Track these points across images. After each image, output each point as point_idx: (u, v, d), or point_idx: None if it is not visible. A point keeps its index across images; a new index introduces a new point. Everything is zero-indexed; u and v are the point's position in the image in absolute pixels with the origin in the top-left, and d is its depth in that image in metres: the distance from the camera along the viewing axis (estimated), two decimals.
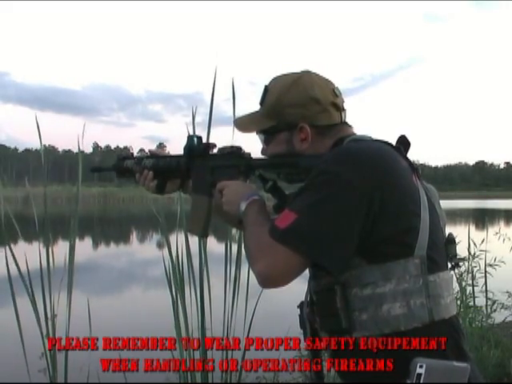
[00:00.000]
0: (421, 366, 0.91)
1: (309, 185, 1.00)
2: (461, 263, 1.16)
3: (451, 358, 0.96)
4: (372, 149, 1.02)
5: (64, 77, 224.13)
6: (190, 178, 1.34)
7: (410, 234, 0.98)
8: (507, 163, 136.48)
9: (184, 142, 1.32)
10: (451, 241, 1.10)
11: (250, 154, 1.26)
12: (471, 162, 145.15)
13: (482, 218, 21.23)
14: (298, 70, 1.17)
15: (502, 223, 18.19)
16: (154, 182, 1.37)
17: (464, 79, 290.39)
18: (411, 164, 1.08)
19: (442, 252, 1.06)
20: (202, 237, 1.36)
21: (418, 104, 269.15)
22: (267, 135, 1.18)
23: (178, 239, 2.81)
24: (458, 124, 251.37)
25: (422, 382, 0.91)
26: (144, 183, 1.38)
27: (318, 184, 0.97)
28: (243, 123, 1.22)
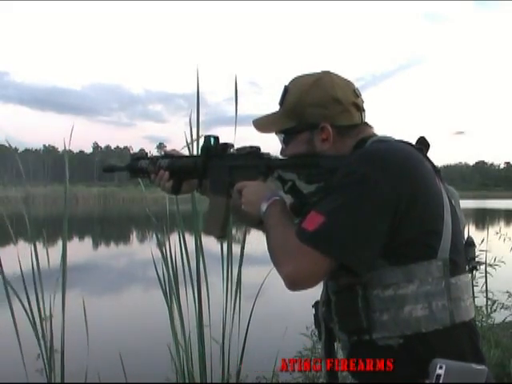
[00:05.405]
0: (440, 367, 0.92)
1: (336, 186, 0.99)
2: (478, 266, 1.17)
3: (470, 360, 0.96)
4: (398, 150, 1.02)
5: (64, 77, 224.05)
6: (207, 179, 1.32)
7: (433, 236, 0.98)
8: (507, 163, 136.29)
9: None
10: (470, 243, 1.11)
11: (268, 154, 1.24)
12: (471, 162, 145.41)
13: (482, 218, 21.22)
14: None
15: (502, 223, 18.20)
16: (170, 183, 1.35)
17: (464, 79, 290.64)
18: (433, 166, 1.07)
19: (462, 254, 1.06)
20: (220, 238, 1.34)
21: (418, 104, 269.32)
22: (287, 135, 1.17)
23: (170, 240, 2.81)
24: (458, 124, 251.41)
25: (441, 382, 0.91)
26: (159, 184, 1.37)
27: (345, 185, 0.97)
28: (263, 123, 1.21)
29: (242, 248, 2.78)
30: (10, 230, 2.90)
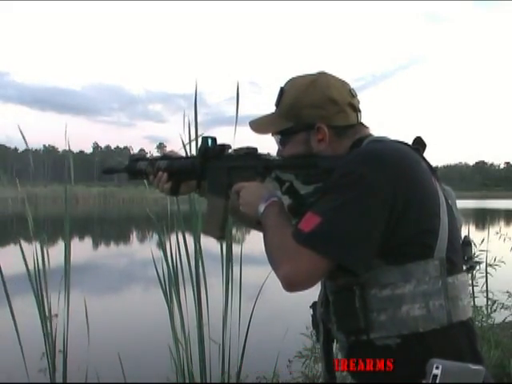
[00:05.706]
0: (437, 368, 0.92)
1: (332, 186, 0.99)
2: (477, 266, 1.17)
3: (467, 359, 0.96)
4: (394, 150, 1.02)
5: (64, 77, 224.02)
6: (205, 180, 1.32)
7: (430, 236, 0.98)
8: (507, 163, 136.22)
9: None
10: (467, 243, 1.11)
11: (267, 155, 1.24)
12: (471, 162, 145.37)
13: (482, 218, 21.23)
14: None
15: (502, 223, 18.21)
16: (169, 184, 1.36)
17: (464, 79, 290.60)
18: (430, 165, 1.08)
19: (459, 254, 1.06)
20: (219, 239, 1.34)
21: (418, 104, 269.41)
22: (284, 136, 1.17)
23: (170, 240, 2.81)
24: (458, 124, 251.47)
25: (437, 382, 0.91)
26: (158, 185, 1.37)
27: (342, 185, 0.97)
28: (260, 125, 1.21)
29: (230, 247, 2.77)
30: (12, 230, 2.91)
